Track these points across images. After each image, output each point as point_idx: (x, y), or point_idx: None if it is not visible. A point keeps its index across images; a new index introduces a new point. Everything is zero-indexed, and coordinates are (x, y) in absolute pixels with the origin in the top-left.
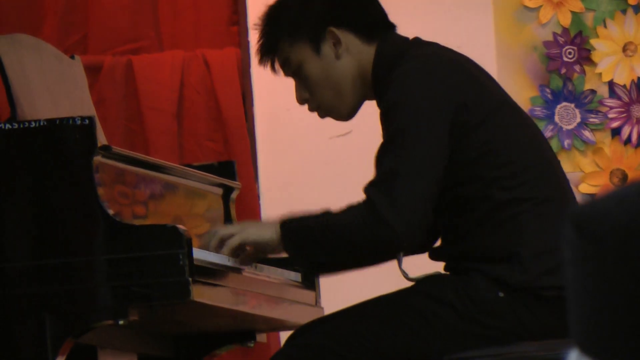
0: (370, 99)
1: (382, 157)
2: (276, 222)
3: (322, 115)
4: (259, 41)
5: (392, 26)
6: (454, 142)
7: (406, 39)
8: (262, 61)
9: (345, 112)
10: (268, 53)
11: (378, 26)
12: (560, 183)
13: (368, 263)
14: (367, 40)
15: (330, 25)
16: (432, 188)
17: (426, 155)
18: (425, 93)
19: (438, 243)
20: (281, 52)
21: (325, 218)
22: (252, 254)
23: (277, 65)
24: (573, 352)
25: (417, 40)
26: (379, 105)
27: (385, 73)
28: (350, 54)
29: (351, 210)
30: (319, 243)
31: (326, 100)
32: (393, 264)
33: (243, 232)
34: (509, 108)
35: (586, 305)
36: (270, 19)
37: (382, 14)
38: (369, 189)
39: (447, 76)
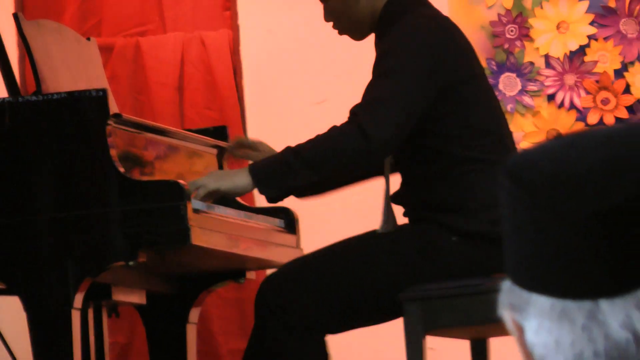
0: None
1: (371, 87)
2: (244, 169)
3: (341, 34)
4: None
5: None
6: (433, 98)
7: None
8: None
9: (357, 38)
10: None
11: None
12: (510, 150)
13: (343, 172)
14: None
15: None
16: (408, 120)
17: (407, 93)
18: (416, 47)
19: (399, 188)
20: None
21: (294, 148)
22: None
23: None
24: (506, 282)
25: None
26: (376, 45)
27: (390, 21)
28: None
29: (335, 127)
30: (292, 165)
31: (345, 27)
32: (360, 215)
33: (216, 181)
34: (481, 79)
35: (516, 242)
36: None
37: None
38: (356, 108)
39: (436, 38)
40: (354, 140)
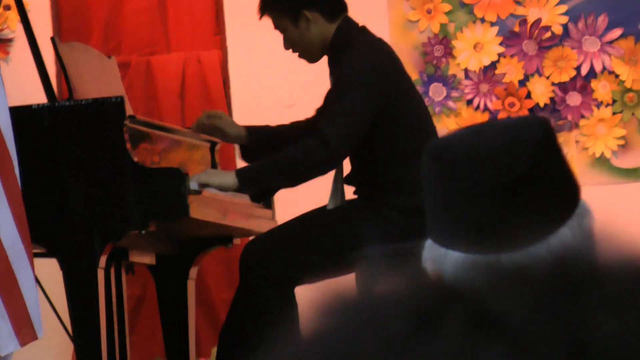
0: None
1: (330, 106)
2: (232, 172)
3: (299, 57)
4: (260, 3)
5: (346, 6)
6: (379, 109)
7: (356, 25)
8: (260, 18)
9: (311, 61)
10: (262, 15)
11: (338, 9)
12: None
13: (309, 178)
14: (330, 20)
15: (303, 8)
16: (359, 131)
17: (357, 112)
18: (362, 73)
19: (350, 172)
20: (272, 18)
21: (271, 158)
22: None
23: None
24: (428, 240)
25: (363, 28)
26: (331, 71)
27: (340, 49)
28: (318, 28)
29: (304, 140)
30: (272, 172)
31: (300, 52)
32: (319, 191)
33: (209, 178)
34: (413, 89)
35: (434, 208)
36: None
37: (340, 1)
38: (322, 127)
39: (380, 62)
40: (319, 151)
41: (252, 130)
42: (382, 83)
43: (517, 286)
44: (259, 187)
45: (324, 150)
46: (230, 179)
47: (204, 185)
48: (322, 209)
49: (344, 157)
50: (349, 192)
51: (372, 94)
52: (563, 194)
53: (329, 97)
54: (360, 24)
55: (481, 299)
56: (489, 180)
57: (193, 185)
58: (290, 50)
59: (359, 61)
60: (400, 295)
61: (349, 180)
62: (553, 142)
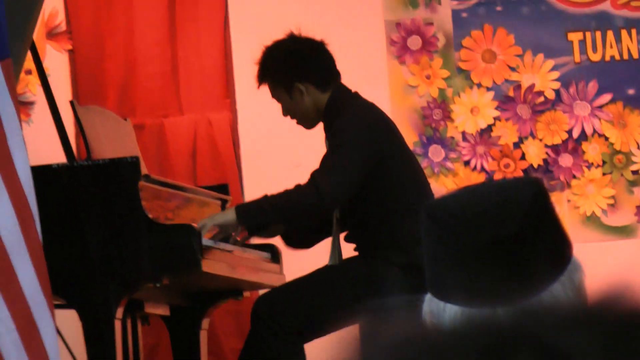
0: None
1: (325, 159)
2: (232, 208)
3: (297, 124)
4: (257, 74)
5: (339, 74)
6: (373, 167)
7: (349, 91)
8: (259, 87)
9: (308, 127)
10: (260, 83)
11: (329, 79)
12: (429, 198)
13: (303, 218)
14: (323, 90)
15: (296, 81)
16: (352, 183)
17: (350, 164)
18: (357, 131)
19: (349, 232)
20: (269, 87)
21: (268, 196)
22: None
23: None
24: (427, 294)
25: (355, 94)
26: (326, 132)
27: (334, 114)
28: (311, 98)
29: (299, 185)
30: (267, 208)
31: (296, 120)
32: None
33: (212, 219)
34: (406, 149)
35: (432, 265)
36: (263, 64)
37: (333, 70)
38: (314, 173)
39: (372, 121)
40: (311, 196)
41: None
42: (374, 140)
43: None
44: (255, 222)
45: (316, 197)
46: (230, 214)
47: (205, 226)
48: (327, 267)
49: (334, 206)
50: (350, 249)
51: (364, 149)
52: (555, 250)
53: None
54: (362, 89)
55: (550, 340)
56: (482, 238)
57: (206, 241)
58: (288, 117)
59: (352, 119)
60: (467, 336)
61: (349, 238)
62: (544, 202)
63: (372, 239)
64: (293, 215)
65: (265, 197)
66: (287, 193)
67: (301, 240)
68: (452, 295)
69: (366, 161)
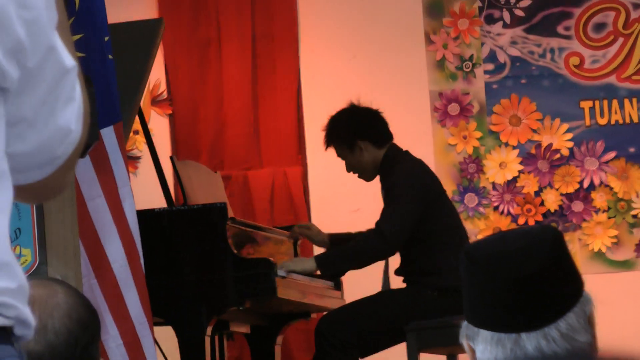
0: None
1: (386, 209)
2: (312, 258)
3: (359, 177)
4: (324, 138)
5: (392, 136)
6: (421, 213)
7: (400, 150)
8: (326, 149)
9: (368, 179)
10: (327, 146)
11: (385, 138)
12: (463, 237)
13: (371, 262)
14: (379, 147)
15: (357, 139)
16: (409, 228)
17: (407, 214)
18: (409, 183)
19: (400, 265)
20: (335, 147)
21: (342, 248)
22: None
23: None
24: (464, 321)
25: (406, 152)
26: (382, 186)
27: (389, 168)
28: (370, 154)
29: (368, 234)
30: (343, 259)
31: (359, 173)
32: (377, 278)
33: (295, 264)
34: (446, 197)
35: (469, 296)
36: (329, 130)
37: (387, 132)
38: (378, 223)
39: (421, 174)
40: (378, 243)
41: (333, 237)
42: (424, 190)
43: None
44: (333, 270)
45: (382, 242)
46: (311, 264)
47: (290, 272)
48: (380, 293)
49: (398, 248)
50: (398, 281)
51: (416, 200)
52: (570, 286)
53: (384, 202)
54: (411, 147)
55: None
56: (510, 276)
57: (280, 272)
58: (351, 172)
59: (405, 173)
60: None
61: (399, 271)
62: (561, 246)
63: (416, 270)
64: (364, 261)
65: (341, 250)
66: (358, 244)
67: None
68: (484, 322)
69: (418, 210)
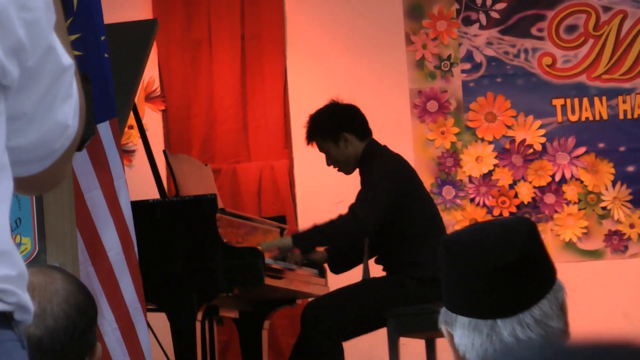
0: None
1: (359, 194)
2: (288, 236)
3: (339, 171)
4: (306, 134)
5: (371, 131)
6: (397, 202)
7: (379, 144)
8: (308, 144)
9: (347, 173)
10: (309, 142)
11: (366, 132)
12: (440, 228)
13: (345, 241)
14: (361, 140)
15: (342, 131)
16: (380, 211)
17: (378, 195)
18: (384, 171)
19: (378, 255)
20: (317, 142)
21: (317, 225)
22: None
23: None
24: (443, 308)
25: (384, 147)
26: (361, 176)
27: (367, 161)
28: (353, 147)
29: (341, 215)
30: (316, 234)
31: (339, 167)
32: (359, 268)
33: (273, 242)
34: (423, 190)
35: (447, 285)
36: (311, 126)
37: (367, 126)
38: (353, 205)
39: (397, 165)
40: (350, 223)
41: (330, 252)
42: (399, 179)
43: None
44: (306, 245)
45: (355, 222)
46: (287, 240)
47: (268, 247)
48: (362, 281)
49: (370, 230)
50: (378, 270)
51: (390, 184)
52: (543, 274)
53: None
54: (391, 142)
55: None
56: (486, 266)
57: (268, 261)
58: (332, 166)
59: (381, 165)
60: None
61: (378, 261)
62: (536, 237)
63: (396, 260)
64: (336, 239)
65: (315, 226)
66: (331, 222)
67: (342, 266)
68: (461, 308)
69: (390, 195)
